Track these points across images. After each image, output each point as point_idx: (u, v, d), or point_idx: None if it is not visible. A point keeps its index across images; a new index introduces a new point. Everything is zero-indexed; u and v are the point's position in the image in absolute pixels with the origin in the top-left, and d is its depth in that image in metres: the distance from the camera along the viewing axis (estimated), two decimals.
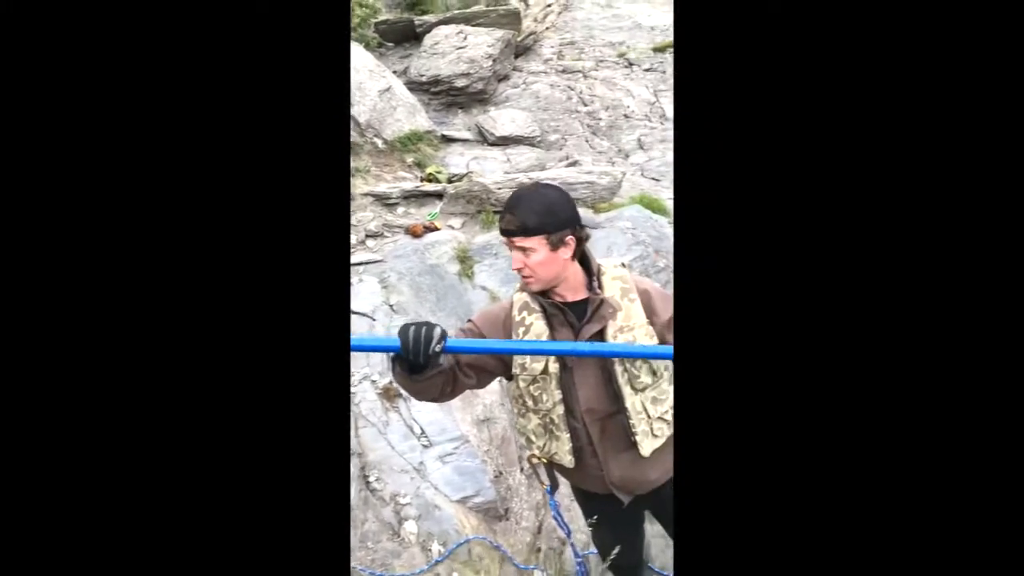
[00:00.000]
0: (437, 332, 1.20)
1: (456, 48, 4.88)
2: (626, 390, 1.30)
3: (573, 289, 1.33)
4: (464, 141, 4.39)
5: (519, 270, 1.31)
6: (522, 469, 2.34)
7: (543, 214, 1.29)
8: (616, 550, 1.37)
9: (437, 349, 1.20)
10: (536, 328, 1.32)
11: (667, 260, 2.99)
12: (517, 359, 1.33)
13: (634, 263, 2.93)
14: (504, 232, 1.30)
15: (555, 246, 1.30)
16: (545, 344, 1.32)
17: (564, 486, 1.54)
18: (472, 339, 1.33)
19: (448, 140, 4.37)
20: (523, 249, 1.29)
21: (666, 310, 1.34)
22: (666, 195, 3.80)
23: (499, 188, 3.31)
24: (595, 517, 1.45)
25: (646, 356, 1.32)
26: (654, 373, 1.32)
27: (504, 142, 4.34)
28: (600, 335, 1.30)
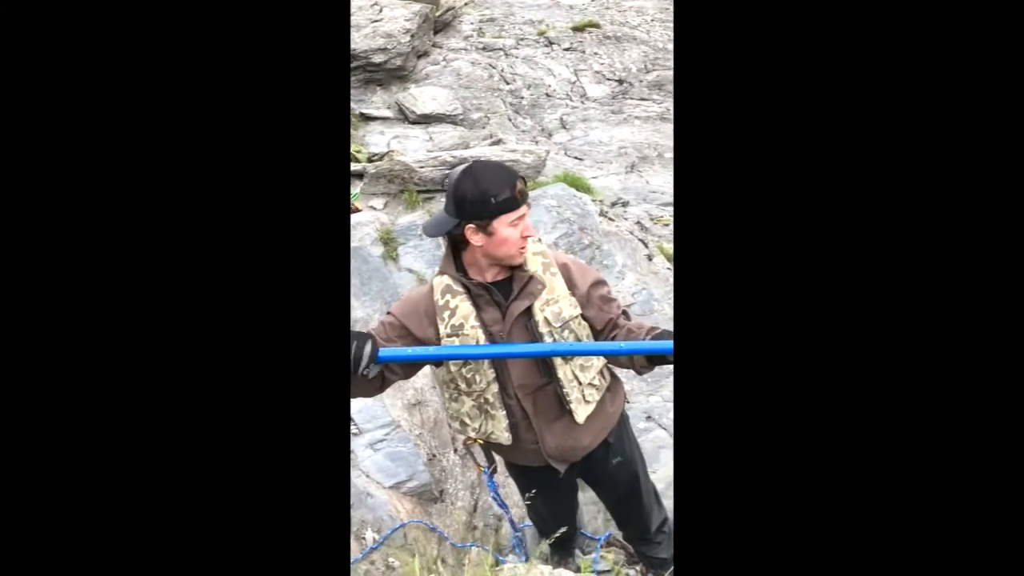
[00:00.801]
0: (367, 350, 1.19)
1: (371, 21, 4.67)
2: (556, 361, 1.32)
3: (500, 266, 1.33)
4: (384, 119, 4.24)
5: (528, 239, 1.29)
6: (456, 450, 2.33)
7: None
8: (563, 530, 1.41)
9: (370, 372, 1.22)
10: (462, 310, 1.31)
11: (591, 237, 3.05)
12: (446, 345, 1.31)
13: (559, 241, 2.97)
14: (525, 198, 1.28)
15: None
16: (486, 348, 1.30)
17: (498, 464, 1.54)
18: (412, 348, 1.31)
19: (367, 118, 4.20)
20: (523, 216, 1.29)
21: (584, 281, 1.37)
22: (589, 174, 3.86)
23: (421, 167, 3.23)
24: (531, 492, 1.47)
25: (643, 352, 1.33)
26: (579, 341, 1.34)
27: (426, 120, 4.24)
28: (528, 312, 1.31)
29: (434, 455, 2.29)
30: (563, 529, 1.39)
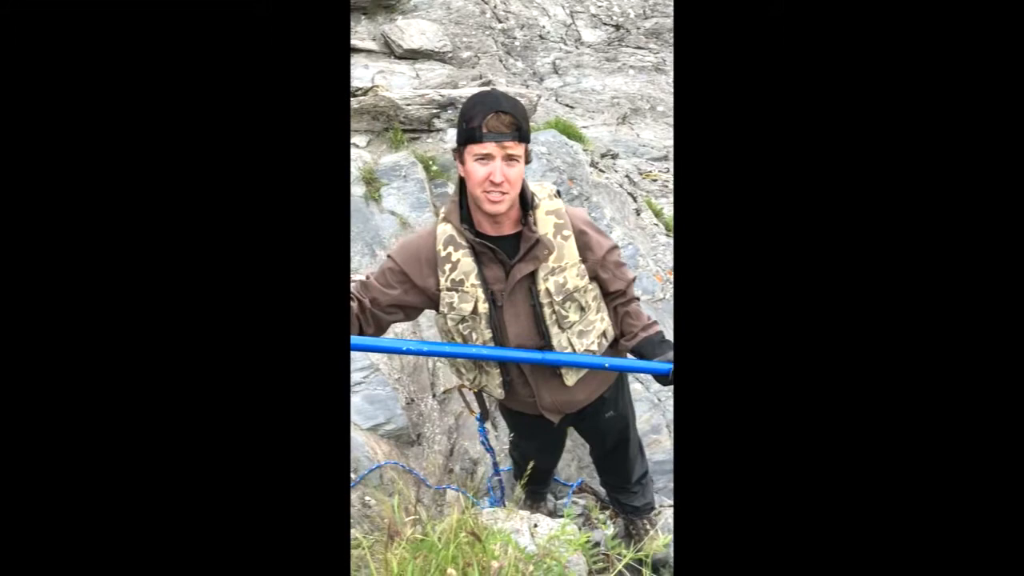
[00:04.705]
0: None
1: None
2: (553, 329, 1.28)
3: (511, 221, 1.24)
4: (368, 52, 4.02)
5: (499, 185, 1.14)
6: (434, 395, 2.33)
7: (526, 119, 1.16)
8: (531, 464, 1.42)
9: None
10: (464, 265, 1.24)
11: (581, 188, 2.99)
12: (445, 297, 1.27)
13: None
14: (495, 136, 1.12)
15: (527, 159, 1.18)
16: (497, 351, 1.28)
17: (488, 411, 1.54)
18: (386, 339, 1.31)
19: (351, 50, 3.98)
20: (509, 158, 1.15)
21: (601, 246, 1.30)
22: (580, 123, 3.75)
23: (408, 104, 3.10)
24: (517, 434, 1.48)
25: (641, 371, 1.37)
26: (582, 309, 1.30)
27: (413, 56, 4.03)
28: (532, 276, 1.25)
29: (412, 399, 2.29)
30: (531, 464, 1.39)
